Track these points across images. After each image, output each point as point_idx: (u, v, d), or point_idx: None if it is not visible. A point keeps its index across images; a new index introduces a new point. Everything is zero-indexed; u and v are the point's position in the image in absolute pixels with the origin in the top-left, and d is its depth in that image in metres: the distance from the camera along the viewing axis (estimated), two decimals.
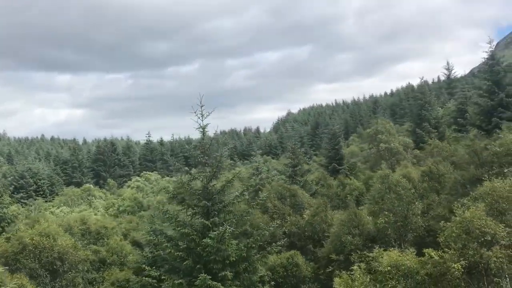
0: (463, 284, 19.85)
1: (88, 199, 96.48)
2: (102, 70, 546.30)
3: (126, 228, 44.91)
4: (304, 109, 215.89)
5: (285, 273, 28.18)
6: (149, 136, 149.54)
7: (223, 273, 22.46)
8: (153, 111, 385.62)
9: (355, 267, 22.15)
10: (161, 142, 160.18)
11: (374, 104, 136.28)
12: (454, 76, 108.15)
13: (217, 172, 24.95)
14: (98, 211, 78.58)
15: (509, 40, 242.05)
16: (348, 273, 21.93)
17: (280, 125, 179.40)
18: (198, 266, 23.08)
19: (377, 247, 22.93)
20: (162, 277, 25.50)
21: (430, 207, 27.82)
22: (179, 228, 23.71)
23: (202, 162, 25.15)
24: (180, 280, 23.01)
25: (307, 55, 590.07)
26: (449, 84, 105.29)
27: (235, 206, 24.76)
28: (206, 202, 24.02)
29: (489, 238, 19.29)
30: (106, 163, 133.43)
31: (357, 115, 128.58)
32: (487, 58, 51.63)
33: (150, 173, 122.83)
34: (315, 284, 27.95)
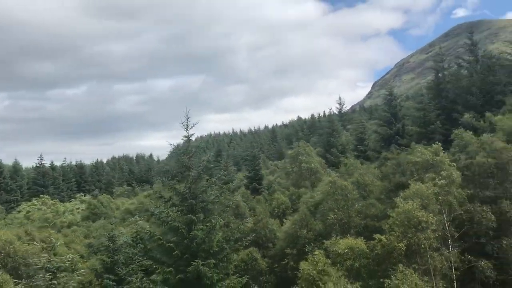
0: (404, 260, 25.89)
1: None
2: None
3: (64, 241, 45.78)
4: (201, 136, 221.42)
5: (245, 267, 32.37)
6: (41, 160, 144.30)
7: (208, 261, 26.21)
8: (34, 135, 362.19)
9: (316, 252, 27.27)
10: (52, 167, 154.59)
11: (272, 134, 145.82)
12: (340, 111, 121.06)
13: (202, 174, 28.77)
14: None
15: (384, 82, 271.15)
16: (314, 254, 26.95)
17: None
18: (186, 256, 26.54)
19: (334, 236, 28.35)
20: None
21: (361, 209, 34.04)
22: (170, 222, 27.03)
23: (187, 166, 28.77)
24: (170, 269, 26.24)
25: (200, 84, 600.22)
26: (341, 117, 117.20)
27: (216, 205, 28.72)
28: (193, 201, 27.68)
29: (424, 225, 25.63)
30: None
31: (257, 143, 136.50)
32: (386, 94, 61.22)
33: (46, 197, 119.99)
34: (271, 275, 32.53)
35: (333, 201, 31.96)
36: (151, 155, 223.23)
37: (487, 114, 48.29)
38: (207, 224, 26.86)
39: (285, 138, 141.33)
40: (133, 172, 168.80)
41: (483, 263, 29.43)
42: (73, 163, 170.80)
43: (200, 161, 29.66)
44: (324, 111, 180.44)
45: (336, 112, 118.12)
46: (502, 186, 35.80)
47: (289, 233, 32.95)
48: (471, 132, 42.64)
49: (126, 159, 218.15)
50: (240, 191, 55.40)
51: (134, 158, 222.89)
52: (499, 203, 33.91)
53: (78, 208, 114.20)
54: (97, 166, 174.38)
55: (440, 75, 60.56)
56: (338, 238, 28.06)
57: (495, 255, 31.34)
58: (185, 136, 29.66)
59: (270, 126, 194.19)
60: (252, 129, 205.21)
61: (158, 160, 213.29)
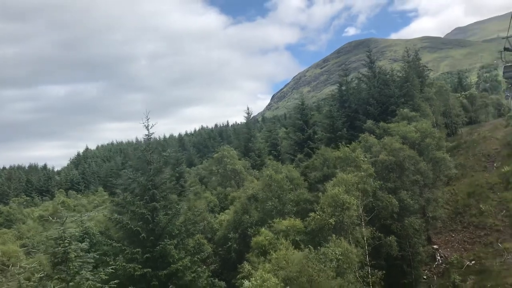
0: (333, 234, 31.85)
1: None
2: None
3: None
4: (102, 145, 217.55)
5: (194, 251, 36.51)
6: None
7: (170, 241, 30.20)
8: None
9: (263, 230, 32.46)
10: None
11: (180, 142, 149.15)
12: (242, 121, 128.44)
13: (163, 167, 32.63)
14: None
15: (282, 94, 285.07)
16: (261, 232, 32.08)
17: (82, 161, 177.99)
18: (151, 238, 30.23)
19: (277, 218, 33.72)
20: None
21: (293, 198, 39.90)
22: (137, 209, 30.54)
23: (149, 161, 32.47)
24: (137, 249, 29.69)
25: (97, 92, 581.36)
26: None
27: (172, 195, 32.79)
28: (155, 191, 31.45)
29: (348, 205, 31.87)
30: None
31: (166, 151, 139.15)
32: (299, 103, 68.35)
33: None
34: (216, 257, 37.08)
35: (270, 192, 37.38)
36: (45, 165, 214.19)
37: (381, 123, 56.55)
38: (172, 210, 30.91)
39: (193, 146, 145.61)
40: (31, 182, 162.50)
41: (390, 237, 36.51)
42: None
43: (160, 156, 33.55)
44: (227, 121, 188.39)
45: (244, 122, 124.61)
46: (400, 179, 43.70)
47: (231, 220, 37.78)
48: (374, 136, 50.54)
49: (18, 169, 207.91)
50: None
51: (26, 168, 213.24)
52: (399, 193, 41.59)
53: None
54: None
55: (343, 88, 69.05)
56: (279, 219, 33.55)
57: (398, 232, 38.80)
58: (145, 135, 33.38)
59: (175, 135, 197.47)
60: (157, 137, 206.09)
61: (53, 170, 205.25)
